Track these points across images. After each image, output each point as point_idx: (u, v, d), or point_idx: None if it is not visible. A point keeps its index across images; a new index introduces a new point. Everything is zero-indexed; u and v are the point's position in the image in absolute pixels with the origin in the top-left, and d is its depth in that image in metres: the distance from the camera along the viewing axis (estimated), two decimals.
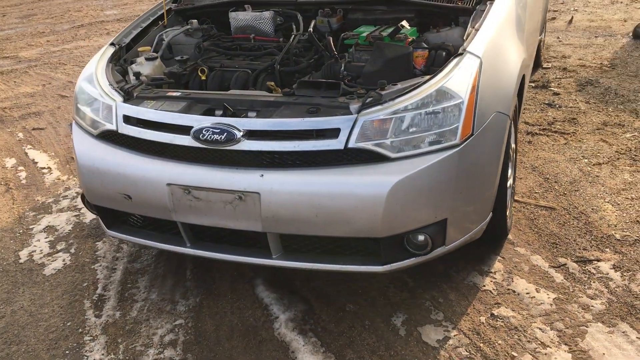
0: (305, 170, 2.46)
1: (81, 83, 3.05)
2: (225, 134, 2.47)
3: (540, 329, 2.63)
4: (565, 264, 3.03)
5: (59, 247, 3.52)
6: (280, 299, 2.94)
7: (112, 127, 2.77)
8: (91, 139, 2.87)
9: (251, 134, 2.48)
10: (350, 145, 2.41)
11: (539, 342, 2.56)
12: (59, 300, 3.07)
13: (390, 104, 2.45)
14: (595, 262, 3.03)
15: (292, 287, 3.01)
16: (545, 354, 2.50)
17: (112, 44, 3.26)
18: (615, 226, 3.30)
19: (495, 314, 2.73)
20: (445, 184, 2.48)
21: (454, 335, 2.63)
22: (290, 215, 2.47)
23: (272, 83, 2.86)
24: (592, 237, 3.22)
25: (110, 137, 2.80)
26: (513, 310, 2.75)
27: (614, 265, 2.99)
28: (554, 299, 2.80)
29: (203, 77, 3.00)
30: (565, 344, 2.54)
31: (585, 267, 3.00)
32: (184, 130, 2.58)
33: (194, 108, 2.67)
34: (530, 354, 2.50)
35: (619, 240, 3.18)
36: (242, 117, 2.57)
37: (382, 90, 2.53)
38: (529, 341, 2.57)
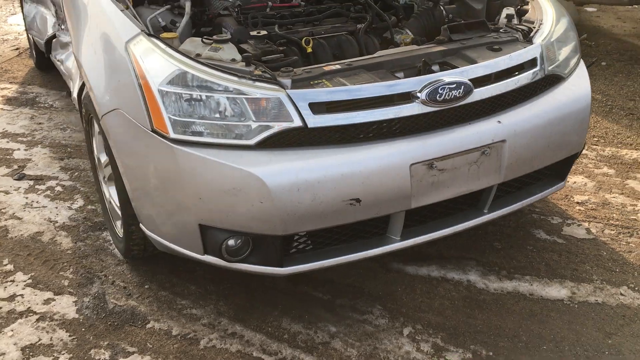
0: (528, 104, 2.43)
1: (171, 89, 2.08)
2: (462, 87, 2.21)
3: (609, 198, 3.25)
4: None
5: None
6: (442, 267, 2.74)
7: (294, 123, 2.07)
8: (253, 153, 2.06)
9: (477, 82, 2.28)
10: (546, 71, 2.49)
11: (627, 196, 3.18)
12: None
13: (540, 32, 2.59)
14: None
15: (430, 255, 2.82)
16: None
17: (146, 32, 2.26)
18: None
19: (579, 201, 3.21)
20: None
21: (587, 227, 3.01)
22: (530, 154, 2.41)
23: (410, 36, 2.56)
24: None
25: (286, 139, 2.08)
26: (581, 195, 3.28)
27: None
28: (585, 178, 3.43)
29: (309, 50, 2.43)
30: (617, 188, 3.24)
31: None
32: (402, 98, 2.17)
33: (381, 75, 2.24)
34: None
35: None
36: (444, 69, 2.31)
37: (511, 22, 2.65)
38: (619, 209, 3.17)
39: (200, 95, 2.08)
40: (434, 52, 2.38)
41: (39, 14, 4.65)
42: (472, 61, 2.34)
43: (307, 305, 2.53)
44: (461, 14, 2.79)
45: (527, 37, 2.53)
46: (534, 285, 2.61)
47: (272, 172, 2.02)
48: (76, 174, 3.66)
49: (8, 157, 3.89)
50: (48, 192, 3.46)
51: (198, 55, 2.23)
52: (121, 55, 2.23)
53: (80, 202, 3.35)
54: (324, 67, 2.23)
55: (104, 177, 2.81)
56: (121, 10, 2.37)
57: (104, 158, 2.71)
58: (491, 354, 2.27)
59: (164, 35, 2.34)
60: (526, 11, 2.78)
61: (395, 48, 2.44)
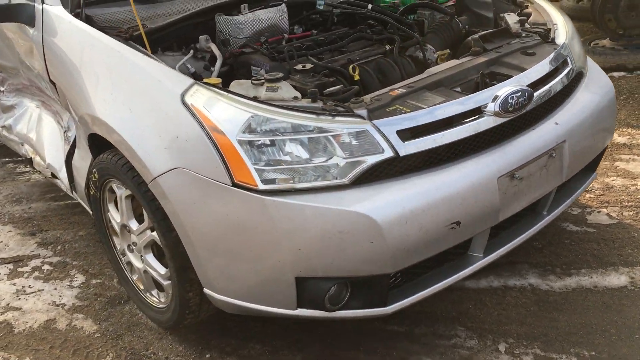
0: (570, 102, 2.48)
1: (250, 137, 1.92)
2: (526, 94, 2.21)
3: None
4: None
5: None
6: (499, 276, 2.73)
7: (385, 154, 1.97)
8: (352, 192, 1.95)
9: (533, 87, 2.30)
10: (576, 69, 2.56)
11: None
12: None
13: (558, 33, 2.66)
14: None
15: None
16: None
17: (200, 82, 2.07)
18: None
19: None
20: None
21: (606, 212, 3.13)
22: (583, 150, 2.46)
23: (447, 51, 2.53)
24: None
25: (380, 172, 1.99)
26: None
27: None
28: None
29: (357, 77, 2.34)
30: None
31: None
32: (477, 113, 2.14)
33: (445, 93, 2.20)
34: None
35: None
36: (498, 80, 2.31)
37: (524, 27, 2.71)
38: None
39: (282, 140, 1.93)
40: (479, 63, 2.37)
41: None
42: (519, 68, 2.35)
43: (388, 341, 2.42)
44: (473, 24, 2.80)
45: (548, 39, 2.59)
46: (593, 277, 2.66)
47: (378, 208, 1.90)
48: (59, 247, 3.29)
49: None
50: (37, 274, 3.09)
51: (255, 97, 2.07)
52: (177, 110, 2.02)
53: (80, 278, 3.02)
54: (390, 93, 2.15)
55: (131, 245, 2.54)
56: (159, 62, 2.16)
57: (136, 225, 2.44)
58: (593, 353, 2.28)
59: (207, 80, 2.16)
60: (529, 14, 2.84)
61: (441, 64, 2.39)
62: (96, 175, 2.52)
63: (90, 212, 2.83)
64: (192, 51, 2.39)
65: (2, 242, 3.39)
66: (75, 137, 2.80)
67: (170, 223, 2.18)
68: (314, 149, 1.94)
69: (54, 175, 3.17)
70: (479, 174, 2.08)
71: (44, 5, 2.61)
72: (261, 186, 1.90)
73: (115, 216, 2.57)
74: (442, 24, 2.72)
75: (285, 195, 1.91)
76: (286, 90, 2.11)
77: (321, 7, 2.80)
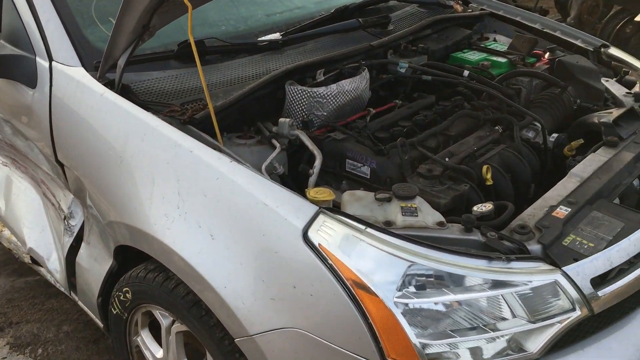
0: None
1: (409, 299, 1.37)
2: None
3: None
4: None
5: None
6: None
7: (577, 312, 1.48)
8: None
9: None
10: None
11: None
12: None
13: None
14: None
15: None
16: None
17: (330, 213, 1.48)
18: None
19: None
20: None
21: None
22: None
23: (581, 141, 2.05)
24: None
25: (570, 336, 1.50)
26: None
27: None
28: None
29: (489, 181, 1.81)
30: None
31: None
32: None
33: (615, 211, 1.73)
34: None
35: None
36: None
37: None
38: None
39: (449, 300, 1.39)
40: (629, 162, 1.91)
41: None
42: None
43: None
44: (582, 96, 2.34)
45: None
46: None
47: None
48: (39, 351, 2.61)
49: None
50: None
51: (389, 223, 1.52)
52: (296, 250, 1.43)
53: None
54: (554, 214, 1.64)
55: None
56: (263, 176, 1.56)
57: None
58: None
59: (314, 195, 1.57)
60: (632, 83, 2.43)
61: (582, 163, 1.89)
62: (129, 295, 1.88)
63: (100, 324, 2.18)
64: (279, 145, 1.77)
65: None
66: (83, 229, 2.13)
67: None
68: (488, 310, 1.41)
69: (35, 262, 2.47)
70: None
71: (53, 62, 1.92)
72: None
73: (151, 347, 1.95)
74: (552, 97, 2.24)
75: None
76: (427, 212, 1.57)
77: (402, 71, 2.24)
